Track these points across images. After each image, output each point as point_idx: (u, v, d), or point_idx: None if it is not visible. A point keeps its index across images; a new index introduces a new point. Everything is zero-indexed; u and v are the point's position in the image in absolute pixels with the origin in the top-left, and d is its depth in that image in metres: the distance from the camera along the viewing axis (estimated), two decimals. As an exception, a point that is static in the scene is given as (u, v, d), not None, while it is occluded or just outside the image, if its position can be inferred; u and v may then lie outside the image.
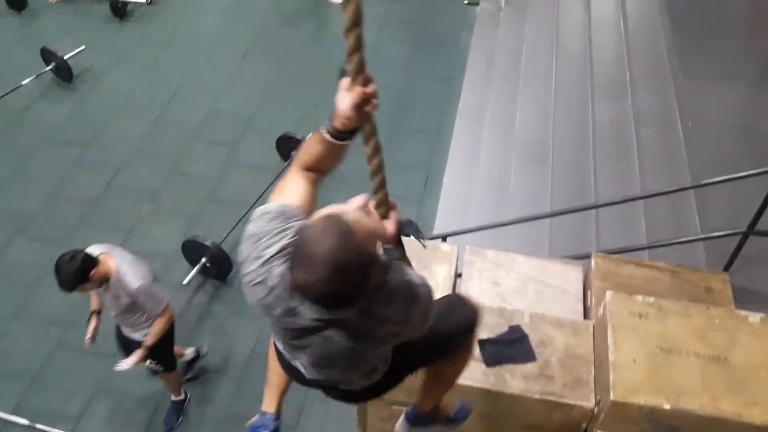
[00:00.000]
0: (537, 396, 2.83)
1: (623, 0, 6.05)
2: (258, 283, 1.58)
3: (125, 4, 7.80)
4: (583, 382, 2.86)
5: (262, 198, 5.27)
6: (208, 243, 4.69)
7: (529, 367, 2.93)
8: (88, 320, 3.73)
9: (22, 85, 6.55)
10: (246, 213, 5.13)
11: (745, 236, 3.39)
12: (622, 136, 4.85)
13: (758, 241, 3.47)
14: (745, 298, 3.31)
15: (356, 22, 1.43)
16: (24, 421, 4.08)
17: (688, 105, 4.60)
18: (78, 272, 3.23)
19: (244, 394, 4.27)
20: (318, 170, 1.71)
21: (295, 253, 1.46)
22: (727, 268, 3.51)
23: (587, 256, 3.63)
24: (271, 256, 1.56)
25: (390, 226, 1.79)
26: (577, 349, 2.98)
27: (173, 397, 4.24)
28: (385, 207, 1.81)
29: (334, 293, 1.43)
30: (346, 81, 1.54)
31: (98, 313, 3.73)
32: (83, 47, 6.94)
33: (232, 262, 4.87)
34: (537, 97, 5.67)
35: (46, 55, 6.76)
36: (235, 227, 5.02)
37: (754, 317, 2.84)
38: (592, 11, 6.19)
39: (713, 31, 5.29)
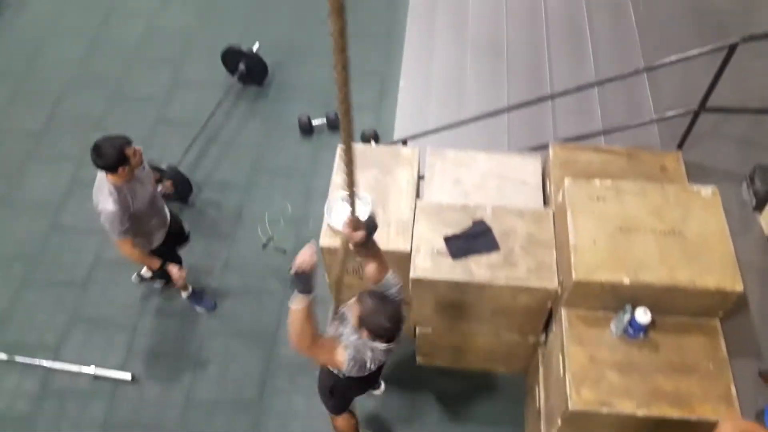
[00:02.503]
0: (503, 282, 2.93)
1: None
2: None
3: None
4: (546, 266, 2.97)
5: (214, 116, 5.12)
6: (164, 166, 4.56)
7: (493, 257, 3.02)
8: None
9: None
10: (200, 132, 4.99)
11: (696, 114, 3.46)
12: (574, 24, 4.80)
13: (709, 117, 3.55)
14: (698, 173, 3.42)
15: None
16: (2, 356, 4.06)
17: (638, -13, 4.54)
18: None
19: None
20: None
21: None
22: (680, 146, 3.60)
23: (545, 146, 3.68)
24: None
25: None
26: (538, 236, 3.07)
27: (186, 294, 4.21)
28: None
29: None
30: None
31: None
32: (3, -31, 6.44)
33: (192, 183, 4.78)
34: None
35: (-38, -20, 6.26)
36: (189, 147, 4.89)
37: (706, 190, 2.95)
38: None
39: None
